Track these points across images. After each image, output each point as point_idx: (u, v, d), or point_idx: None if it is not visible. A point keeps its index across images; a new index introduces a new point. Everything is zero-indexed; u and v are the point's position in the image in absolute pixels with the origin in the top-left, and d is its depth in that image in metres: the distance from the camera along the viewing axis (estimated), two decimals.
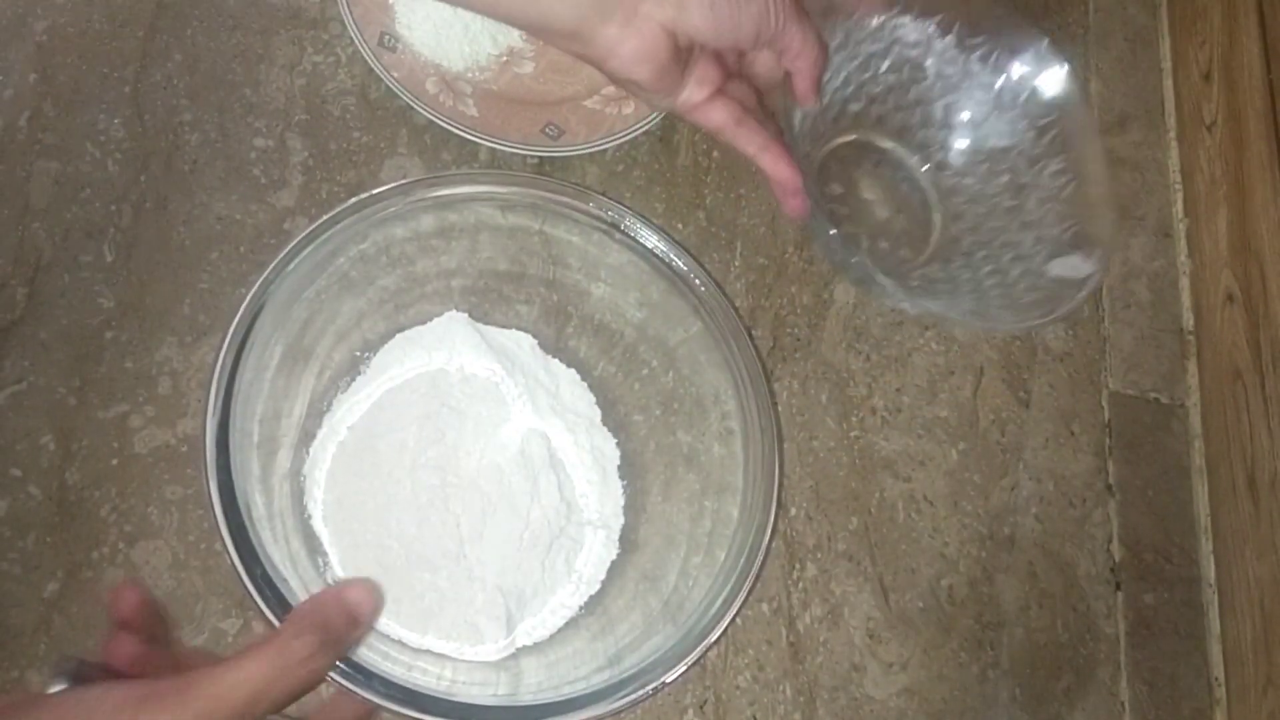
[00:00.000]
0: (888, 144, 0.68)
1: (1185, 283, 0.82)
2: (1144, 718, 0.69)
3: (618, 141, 0.69)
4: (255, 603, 0.45)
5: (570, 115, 0.70)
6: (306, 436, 0.57)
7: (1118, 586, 0.72)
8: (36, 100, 0.65)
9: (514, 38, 0.73)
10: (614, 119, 0.71)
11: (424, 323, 0.61)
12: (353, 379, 0.59)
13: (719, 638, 0.50)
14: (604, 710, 0.47)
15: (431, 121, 0.66)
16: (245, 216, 0.65)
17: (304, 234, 0.51)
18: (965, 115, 0.66)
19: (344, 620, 0.36)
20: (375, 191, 0.54)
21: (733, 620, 0.51)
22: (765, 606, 0.65)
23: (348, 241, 0.54)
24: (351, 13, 0.66)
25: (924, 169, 0.69)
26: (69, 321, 0.61)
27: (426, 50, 0.69)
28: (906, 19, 0.62)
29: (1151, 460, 0.76)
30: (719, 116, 0.51)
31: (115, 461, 0.59)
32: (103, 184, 0.64)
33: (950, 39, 0.63)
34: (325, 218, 0.52)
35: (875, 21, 0.62)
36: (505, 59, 0.72)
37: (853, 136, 0.67)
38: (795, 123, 0.59)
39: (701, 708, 0.62)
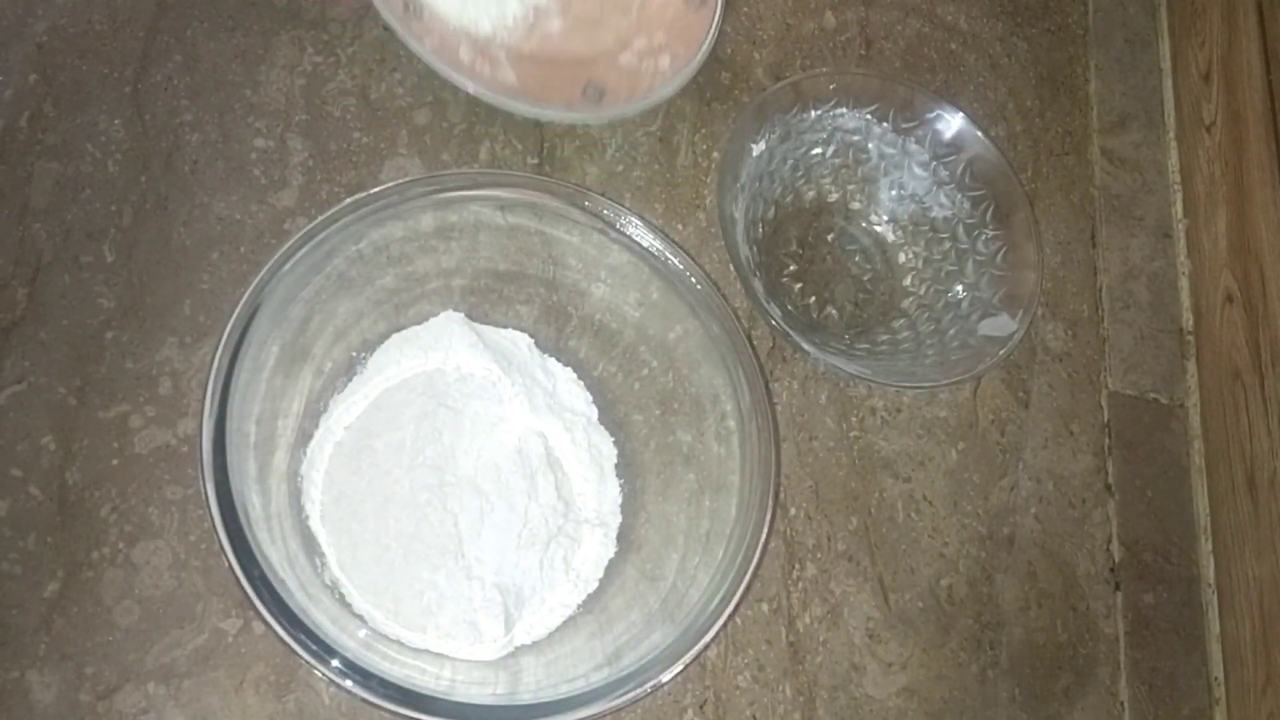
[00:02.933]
0: (840, 221, 0.74)
1: (1185, 283, 0.82)
2: (1143, 717, 0.69)
3: (659, 100, 0.68)
4: (253, 604, 0.45)
5: (608, 73, 0.69)
6: (304, 437, 0.57)
7: (1117, 586, 0.72)
8: (37, 101, 0.65)
9: None
10: (651, 75, 0.69)
11: (421, 323, 0.61)
12: (349, 379, 0.59)
13: (716, 635, 0.50)
14: (602, 708, 0.47)
15: (433, 121, 0.66)
16: (245, 217, 0.65)
17: (300, 234, 0.51)
18: (909, 189, 0.73)
19: None
20: (373, 191, 0.54)
21: (730, 618, 0.51)
22: (765, 606, 0.65)
23: (345, 241, 0.54)
24: None
25: (874, 241, 0.74)
26: (69, 322, 0.61)
27: (452, 14, 0.67)
28: (843, 110, 0.70)
29: (1151, 460, 0.76)
30: None
31: (116, 461, 0.59)
32: (103, 184, 0.64)
33: (887, 124, 0.70)
34: (322, 218, 0.52)
35: (814, 114, 0.68)
36: (532, 18, 0.70)
37: (808, 217, 0.73)
38: (739, 213, 0.64)
39: (701, 707, 0.62)
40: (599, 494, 0.60)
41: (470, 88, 0.63)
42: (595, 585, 0.58)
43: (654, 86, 0.67)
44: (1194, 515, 0.76)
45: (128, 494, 0.58)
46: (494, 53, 0.67)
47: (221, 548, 0.46)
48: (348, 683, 0.45)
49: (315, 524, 0.56)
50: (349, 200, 0.53)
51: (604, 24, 0.71)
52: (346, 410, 0.58)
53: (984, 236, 0.71)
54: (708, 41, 0.68)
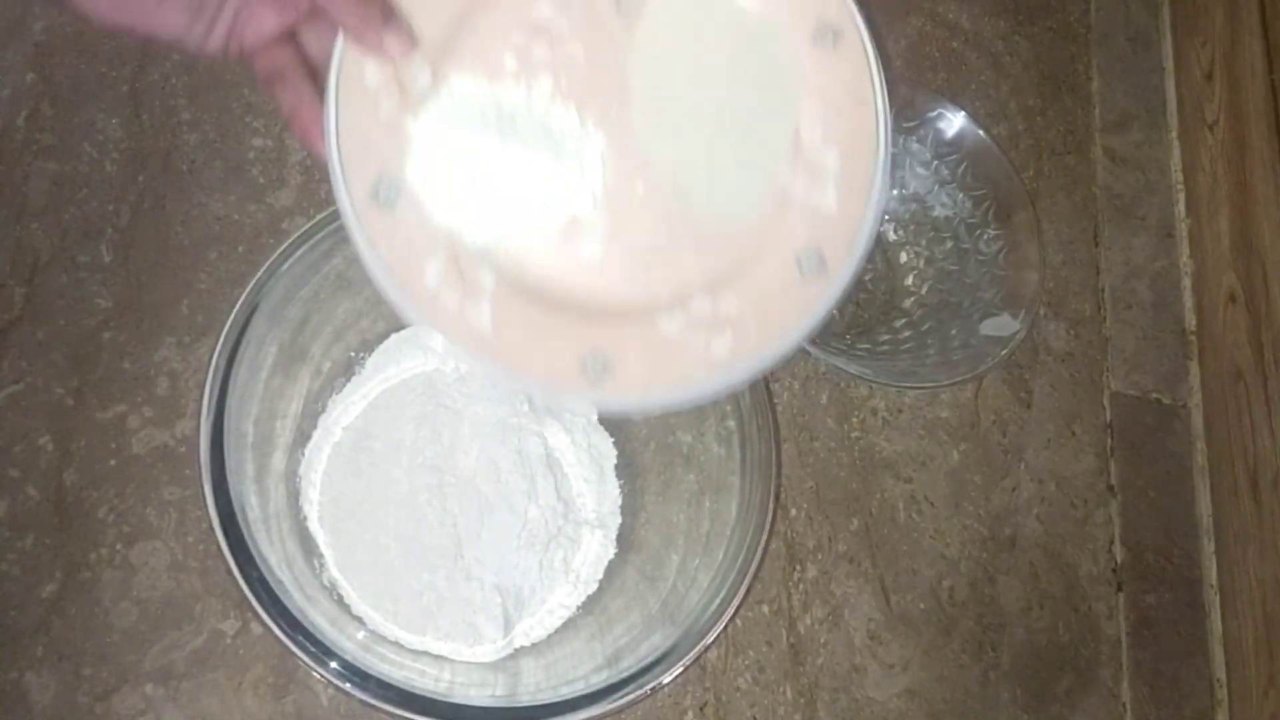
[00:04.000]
0: None
1: (1187, 283, 0.82)
2: (1145, 719, 0.69)
3: (688, 399, 0.42)
4: (251, 605, 0.45)
5: (628, 340, 0.43)
6: (302, 437, 0.57)
7: (1119, 587, 0.72)
8: (34, 100, 0.65)
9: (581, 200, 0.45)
10: (693, 358, 0.42)
11: None
12: (348, 379, 0.59)
13: (717, 637, 0.50)
14: (602, 710, 0.47)
15: None
16: (243, 216, 0.65)
17: (299, 233, 0.51)
18: (911, 189, 0.72)
19: None
20: None
21: (731, 620, 0.50)
22: (766, 608, 0.65)
23: (343, 241, 0.54)
24: (339, 147, 0.40)
25: (875, 241, 0.73)
26: (67, 322, 0.61)
27: (442, 209, 0.42)
28: None
29: (1153, 461, 0.76)
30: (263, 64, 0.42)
31: (113, 462, 0.59)
32: (100, 184, 0.64)
33: None
34: (320, 217, 0.52)
35: None
36: (564, 229, 0.44)
37: None
38: None
39: (702, 709, 0.62)
40: (599, 495, 0.60)
41: (416, 320, 0.41)
42: (595, 587, 0.58)
43: (690, 376, 0.43)
44: (1196, 516, 0.75)
45: (125, 495, 0.58)
46: (477, 275, 0.43)
47: (220, 549, 0.45)
48: (346, 684, 0.45)
49: (314, 525, 0.56)
50: None
51: (663, 264, 0.45)
52: (345, 411, 0.58)
53: (985, 236, 0.70)
54: (800, 328, 0.44)
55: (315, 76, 0.42)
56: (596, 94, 0.43)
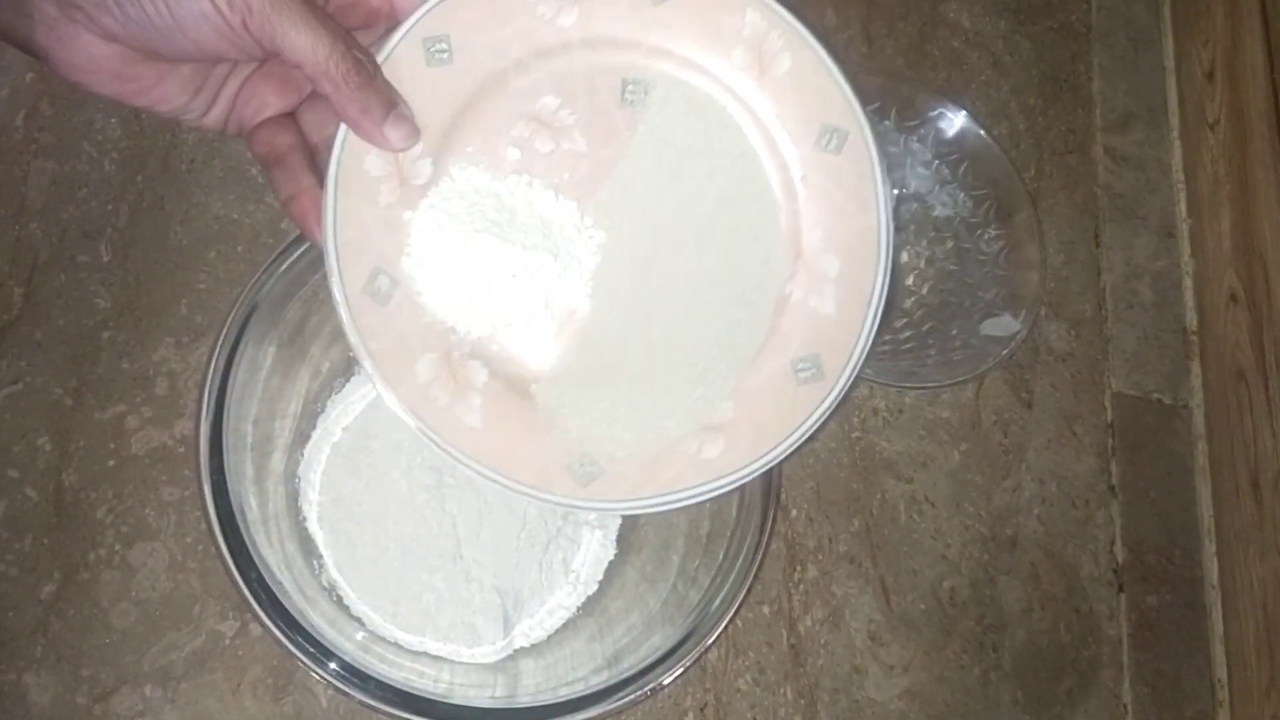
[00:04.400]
0: None
1: (1188, 283, 0.82)
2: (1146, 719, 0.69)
3: (677, 506, 0.42)
4: (250, 606, 0.45)
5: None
6: (301, 438, 0.57)
7: (1120, 588, 0.72)
8: (33, 99, 0.64)
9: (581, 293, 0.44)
10: (685, 463, 0.42)
11: None
12: (347, 379, 0.59)
13: (717, 638, 0.50)
14: (602, 711, 0.47)
15: None
16: (242, 216, 0.65)
17: (298, 233, 0.50)
18: (912, 189, 0.72)
19: None
20: None
21: (731, 621, 0.50)
22: (766, 609, 0.65)
23: None
24: (336, 237, 0.40)
25: None
26: (66, 322, 0.61)
27: (438, 303, 0.42)
28: None
29: (1154, 461, 0.76)
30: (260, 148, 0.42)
31: (112, 463, 0.58)
32: (100, 183, 0.64)
33: (889, 123, 0.69)
34: None
35: None
36: (559, 326, 0.43)
37: None
38: None
39: (702, 710, 0.61)
40: None
41: (406, 419, 0.41)
42: (595, 587, 0.58)
43: (679, 482, 0.42)
44: (1198, 516, 0.75)
45: (124, 495, 0.58)
46: (469, 370, 0.42)
47: (218, 550, 0.45)
48: (345, 685, 0.45)
49: (313, 526, 0.55)
50: None
51: (657, 365, 0.44)
52: (344, 411, 0.58)
53: (986, 236, 0.70)
54: (795, 436, 0.43)
55: (314, 157, 0.41)
56: (597, 190, 0.43)
